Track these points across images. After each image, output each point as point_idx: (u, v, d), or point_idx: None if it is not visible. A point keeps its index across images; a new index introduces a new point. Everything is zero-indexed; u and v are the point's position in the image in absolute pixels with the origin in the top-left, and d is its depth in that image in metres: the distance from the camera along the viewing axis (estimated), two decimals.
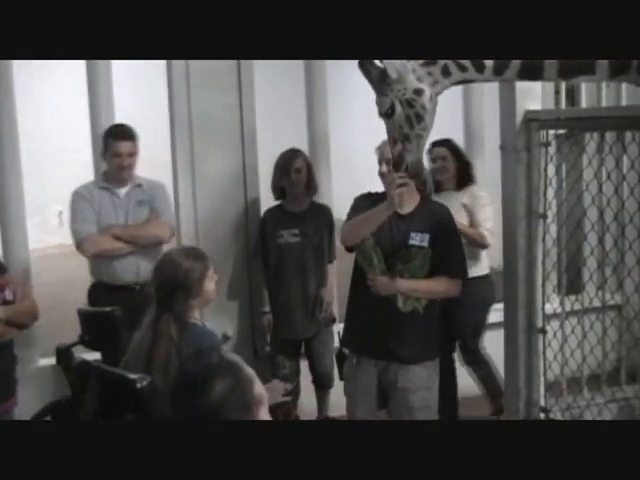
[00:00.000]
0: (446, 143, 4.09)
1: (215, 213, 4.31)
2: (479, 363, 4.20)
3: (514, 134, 3.08)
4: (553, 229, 3.16)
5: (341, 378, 3.46)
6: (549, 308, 3.16)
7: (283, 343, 4.17)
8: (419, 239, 3.06)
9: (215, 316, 4.31)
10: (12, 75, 4.04)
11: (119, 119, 4.21)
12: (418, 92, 2.54)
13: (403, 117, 2.56)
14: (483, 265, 4.09)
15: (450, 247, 3.14)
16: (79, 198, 3.84)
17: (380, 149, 3.22)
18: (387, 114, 2.58)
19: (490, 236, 3.98)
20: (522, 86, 3.01)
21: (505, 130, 3.15)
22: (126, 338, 2.50)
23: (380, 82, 2.57)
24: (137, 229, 3.84)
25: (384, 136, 2.75)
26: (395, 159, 2.68)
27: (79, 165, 4.96)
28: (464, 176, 4.09)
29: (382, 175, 3.19)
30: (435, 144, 3.99)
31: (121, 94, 4.62)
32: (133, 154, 3.87)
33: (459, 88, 4.84)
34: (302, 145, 4.44)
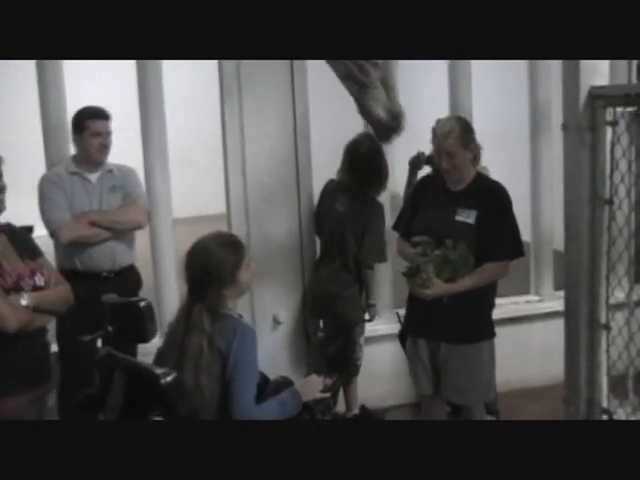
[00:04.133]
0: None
1: (265, 194, 4.19)
2: None
3: (578, 112, 2.82)
4: (620, 216, 2.90)
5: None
6: (616, 298, 2.91)
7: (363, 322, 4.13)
8: (465, 215, 3.05)
9: (267, 301, 4.25)
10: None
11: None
12: None
13: None
14: None
15: (498, 226, 3.05)
16: (50, 184, 3.70)
17: (437, 139, 3.13)
18: None
19: None
20: (588, 61, 2.75)
21: (568, 108, 2.88)
22: (151, 330, 2.40)
23: None
24: (116, 214, 3.74)
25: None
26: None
27: (128, 142, 4.90)
28: None
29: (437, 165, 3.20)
30: None
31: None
32: (110, 134, 3.77)
33: (523, 61, 4.59)
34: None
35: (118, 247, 3.74)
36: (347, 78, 2.27)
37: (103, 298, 2.48)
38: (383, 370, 4.45)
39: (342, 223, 3.98)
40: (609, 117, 2.77)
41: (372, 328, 4.24)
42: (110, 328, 2.38)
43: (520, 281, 5.05)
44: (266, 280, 4.23)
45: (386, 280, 4.48)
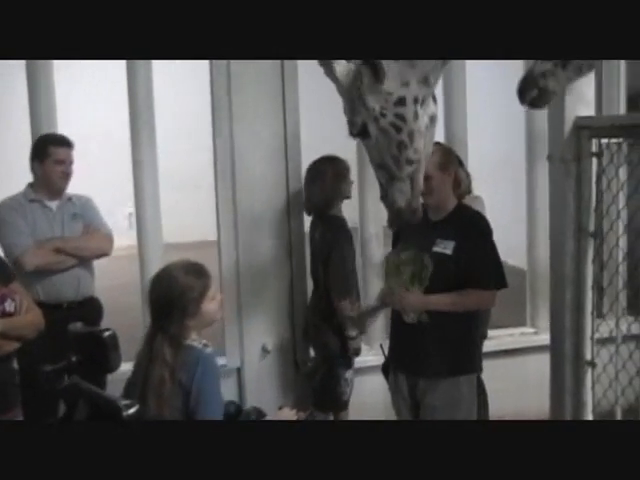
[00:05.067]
0: None
1: (256, 220, 4.16)
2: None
3: (563, 143, 2.77)
4: (605, 249, 2.84)
5: None
6: (600, 334, 2.85)
7: (348, 358, 3.96)
8: (442, 246, 2.99)
9: (256, 329, 4.20)
10: None
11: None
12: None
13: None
14: None
15: (477, 256, 2.99)
16: (9, 210, 3.60)
17: None
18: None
19: None
20: (573, 90, 2.70)
21: (553, 138, 2.85)
22: (115, 360, 2.35)
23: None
24: (81, 241, 3.67)
25: None
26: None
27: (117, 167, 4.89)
28: None
29: None
30: None
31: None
32: (72, 162, 3.71)
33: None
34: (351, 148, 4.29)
35: (82, 276, 3.67)
36: (380, 167, 2.30)
37: (69, 327, 2.43)
38: (374, 402, 4.36)
39: (313, 249, 3.94)
40: (594, 148, 2.72)
41: (362, 359, 4.16)
42: (74, 358, 2.32)
43: (516, 312, 4.98)
44: (255, 307, 4.19)
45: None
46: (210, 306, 2.46)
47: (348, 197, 3.92)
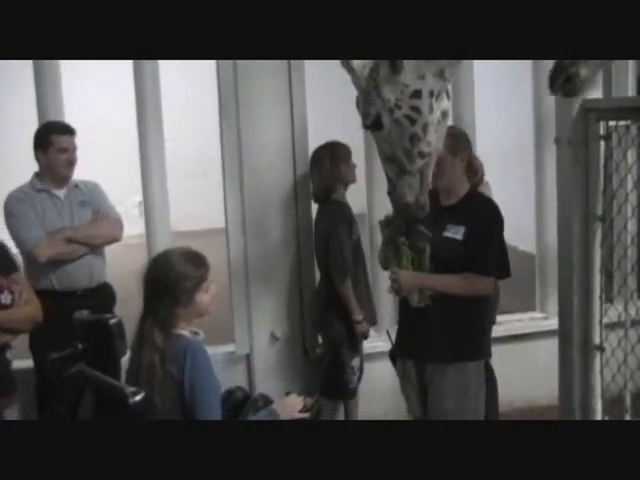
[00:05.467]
0: None
1: (263, 207, 4.15)
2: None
3: (570, 126, 2.74)
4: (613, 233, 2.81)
5: None
6: (609, 318, 2.82)
7: (355, 344, 3.95)
8: (453, 231, 2.98)
9: (265, 316, 4.21)
10: None
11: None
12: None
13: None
14: None
15: (483, 242, 2.98)
16: (18, 203, 3.60)
17: None
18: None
19: None
20: None
21: (560, 121, 2.82)
22: (121, 347, 2.36)
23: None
24: (91, 229, 3.67)
25: None
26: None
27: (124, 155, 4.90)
28: None
29: None
30: None
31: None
32: (76, 149, 3.70)
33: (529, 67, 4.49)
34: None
35: (95, 262, 3.69)
36: (390, 160, 2.28)
37: (74, 315, 2.44)
38: (383, 387, 4.36)
39: (316, 236, 3.96)
40: (602, 131, 2.69)
41: (371, 345, 4.16)
42: (80, 345, 2.34)
43: (526, 297, 4.95)
44: (263, 295, 4.19)
45: (386, 296, 4.40)
46: (204, 298, 2.43)
47: (350, 182, 3.91)
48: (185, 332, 2.43)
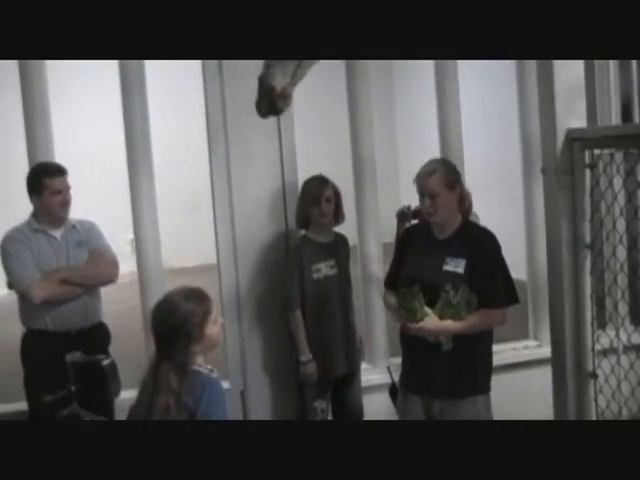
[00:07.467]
0: None
1: (254, 238, 4.16)
2: None
3: (555, 155, 2.78)
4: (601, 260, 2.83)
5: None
6: (601, 345, 2.84)
7: (320, 385, 3.81)
8: (454, 264, 2.93)
9: (257, 354, 4.17)
10: None
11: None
12: None
13: None
14: None
15: (488, 275, 2.93)
16: (15, 243, 3.60)
17: (419, 179, 3.02)
18: None
19: None
20: (564, 102, 2.71)
21: (546, 150, 2.85)
22: (114, 389, 2.35)
23: None
24: (86, 269, 3.65)
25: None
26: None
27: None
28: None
29: (422, 212, 3.14)
30: None
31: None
32: (69, 188, 3.70)
33: (514, 98, 4.55)
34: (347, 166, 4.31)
35: (90, 303, 3.67)
36: None
37: (67, 357, 2.43)
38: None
39: None
40: (587, 159, 2.73)
41: (366, 378, 4.14)
42: (73, 387, 2.33)
43: (519, 325, 4.95)
44: (257, 331, 4.18)
45: (380, 328, 4.40)
46: (213, 329, 2.46)
47: (321, 220, 3.77)
48: (202, 369, 2.46)
